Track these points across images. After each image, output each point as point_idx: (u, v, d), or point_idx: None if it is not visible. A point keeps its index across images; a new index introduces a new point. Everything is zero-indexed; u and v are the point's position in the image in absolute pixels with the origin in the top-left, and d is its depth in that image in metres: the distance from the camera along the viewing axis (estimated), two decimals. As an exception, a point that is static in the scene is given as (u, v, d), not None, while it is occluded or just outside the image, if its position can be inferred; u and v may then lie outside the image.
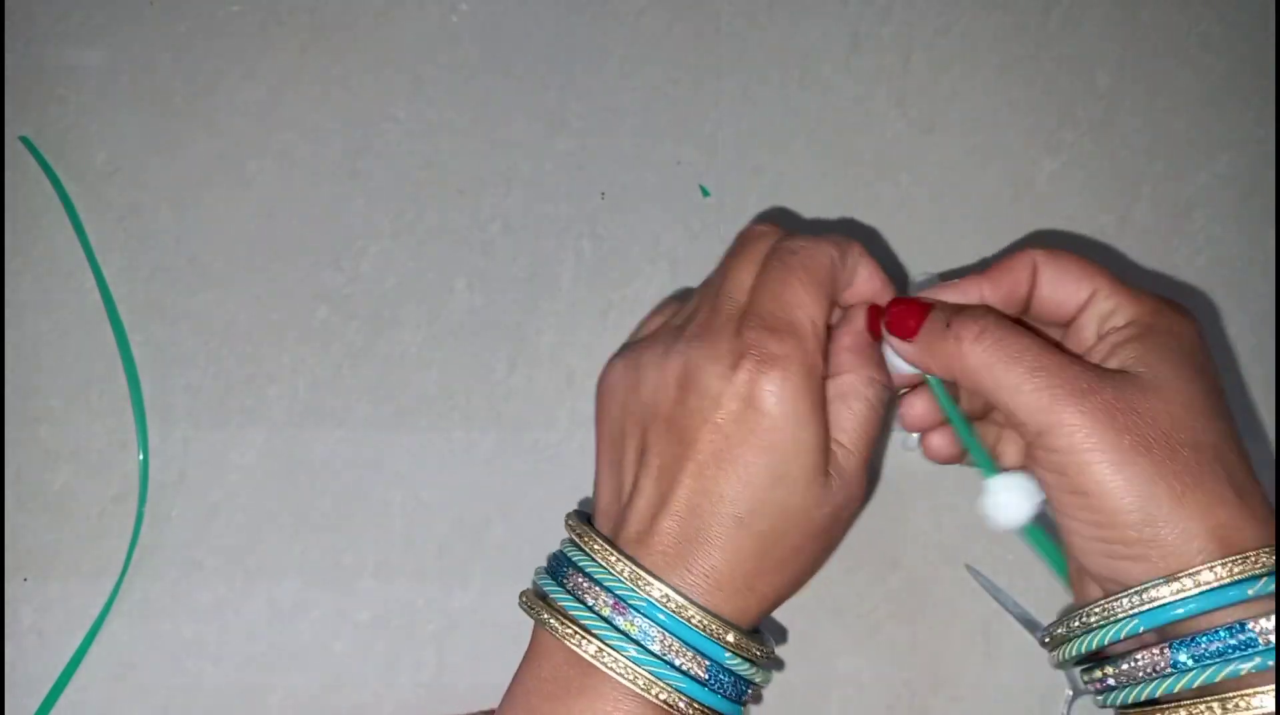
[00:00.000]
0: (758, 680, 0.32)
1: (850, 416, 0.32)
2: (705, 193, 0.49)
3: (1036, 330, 0.33)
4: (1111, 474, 0.28)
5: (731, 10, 0.50)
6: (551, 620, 0.32)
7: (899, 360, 0.34)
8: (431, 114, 0.49)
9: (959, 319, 0.31)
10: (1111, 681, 0.30)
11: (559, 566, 0.33)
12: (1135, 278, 0.47)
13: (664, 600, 0.30)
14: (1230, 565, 0.27)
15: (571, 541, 0.33)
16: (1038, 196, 0.49)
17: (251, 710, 0.44)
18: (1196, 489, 0.28)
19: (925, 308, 0.32)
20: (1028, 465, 0.31)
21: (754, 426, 0.30)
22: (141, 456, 0.45)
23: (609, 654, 0.30)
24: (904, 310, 0.32)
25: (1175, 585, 0.28)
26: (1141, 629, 0.29)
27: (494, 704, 0.35)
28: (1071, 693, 0.43)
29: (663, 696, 0.30)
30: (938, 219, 0.49)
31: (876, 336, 0.34)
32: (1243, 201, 0.49)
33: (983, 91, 0.50)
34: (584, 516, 0.35)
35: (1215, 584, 0.27)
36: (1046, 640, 0.32)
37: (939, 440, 0.34)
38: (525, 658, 0.34)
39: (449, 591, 0.45)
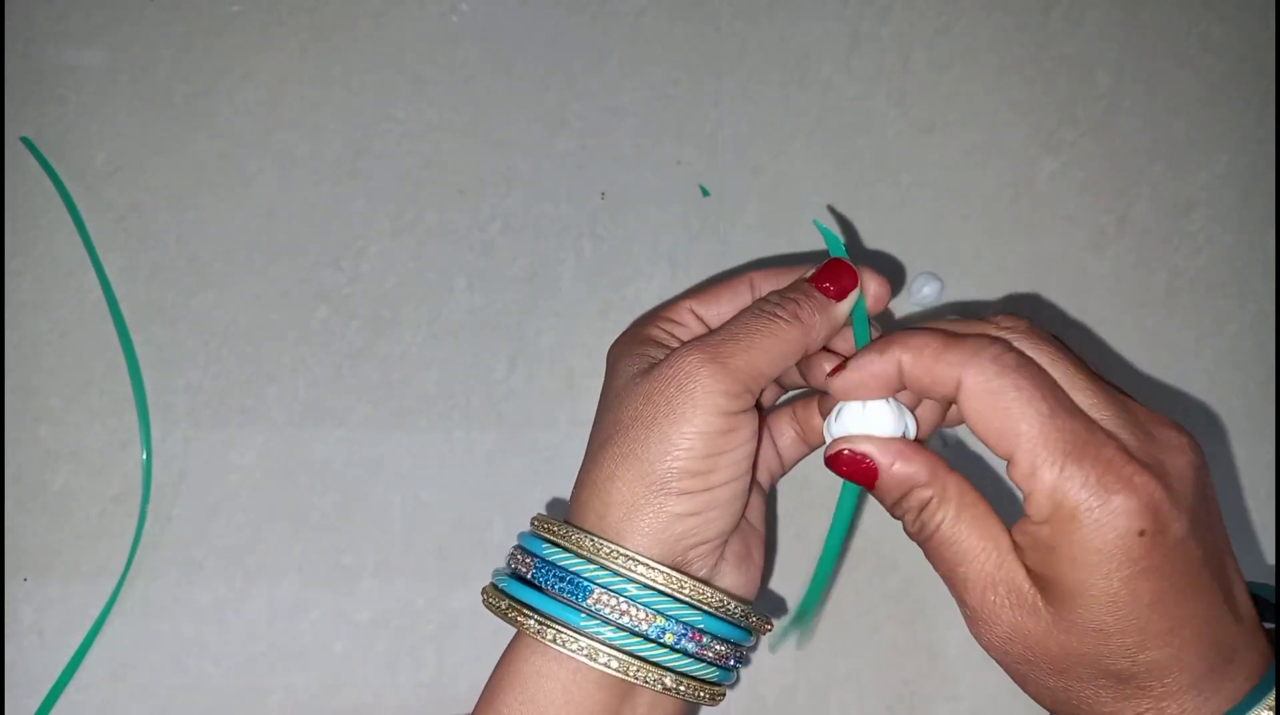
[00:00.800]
0: (592, 578, 0.31)
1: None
2: (705, 193, 0.49)
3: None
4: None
5: (731, 10, 0.50)
6: (493, 602, 0.33)
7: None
8: (431, 114, 0.49)
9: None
10: None
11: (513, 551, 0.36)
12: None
13: (539, 526, 0.33)
14: None
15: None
16: (1038, 196, 0.49)
17: (251, 710, 0.44)
18: None
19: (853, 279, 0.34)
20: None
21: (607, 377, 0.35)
22: (145, 455, 0.45)
23: (543, 625, 0.31)
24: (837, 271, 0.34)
25: None
26: None
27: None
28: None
29: (598, 663, 0.31)
30: (938, 219, 0.49)
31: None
32: (1243, 201, 0.49)
33: (983, 91, 0.50)
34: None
35: None
36: None
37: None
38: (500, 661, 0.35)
39: (449, 591, 0.45)
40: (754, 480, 0.35)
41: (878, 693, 0.44)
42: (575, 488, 0.34)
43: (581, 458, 0.35)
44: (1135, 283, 0.48)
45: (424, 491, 0.46)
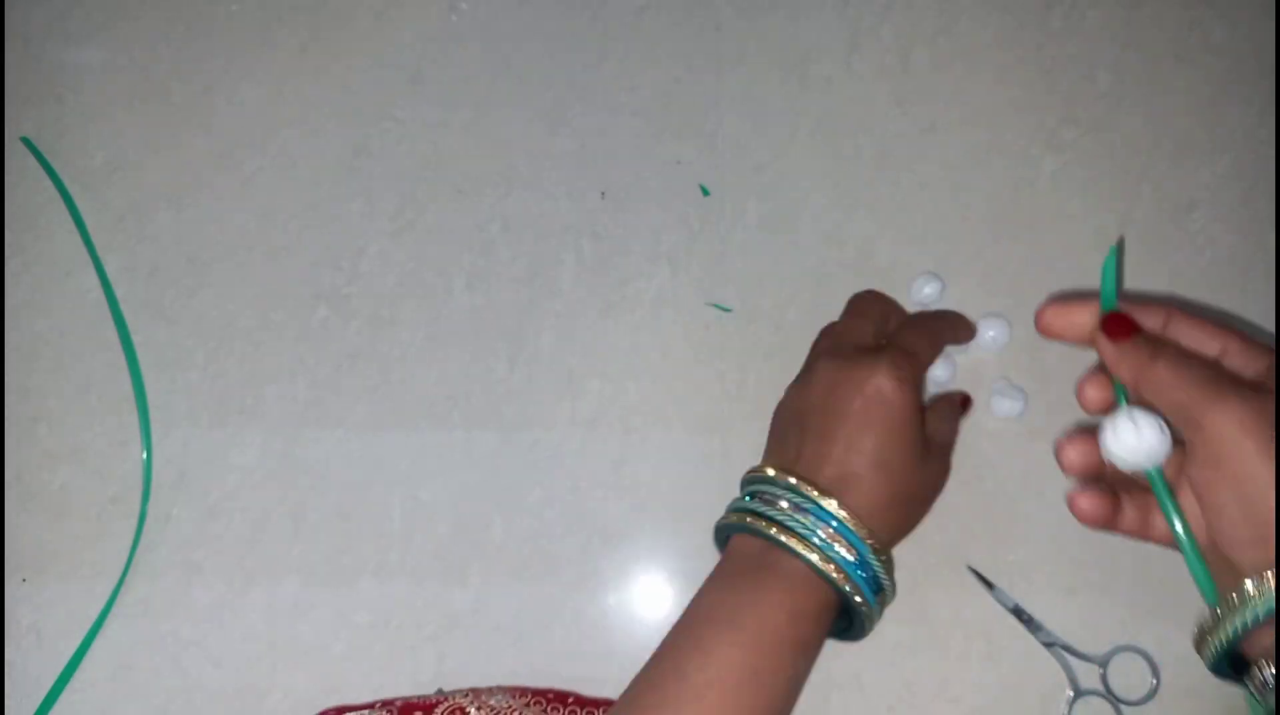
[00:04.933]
0: (885, 584, 0.40)
1: (941, 422, 0.45)
2: (705, 192, 0.49)
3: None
4: (1262, 464, 0.33)
5: (731, 10, 0.50)
6: (747, 519, 0.40)
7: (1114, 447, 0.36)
8: (431, 114, 0.49)
9: (1158, 348, 0.37)
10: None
11: (749, 492, 0.42)
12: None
13: (825, 502, 0.40)
14: None
15: (754, 478, 0.42)
16: (1038, 196, 0.49)
17: (251, 710, 0.44)
18: None
19: (1135, 325, 0.38)
20: (1188, 469, 0.35)
21: (882, 410, 0.41)
22: (145, 455, 0.45)
23: (787, 536, 0.39)
24: (1120, 321, 0.38)
25: None
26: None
27: (494, 704, 0.35)
28: (1072, 693, 0.43)
29: (824, 566, 0.39)
30: (938, 219, 0.49)
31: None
32: (1243, 201, 0.49)
33: (983, 91, 0.50)
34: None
35: None
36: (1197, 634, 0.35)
37: (1087, 503, 0.38)
38: (715, 569, 0.41)
39: (449, 591, 0.45)
40: None
41: (878, 693, 0.44)
42: (837, 460, 0.40)
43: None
44: (1136, 282, 0.48)
45: (424, 491, 0.46)
